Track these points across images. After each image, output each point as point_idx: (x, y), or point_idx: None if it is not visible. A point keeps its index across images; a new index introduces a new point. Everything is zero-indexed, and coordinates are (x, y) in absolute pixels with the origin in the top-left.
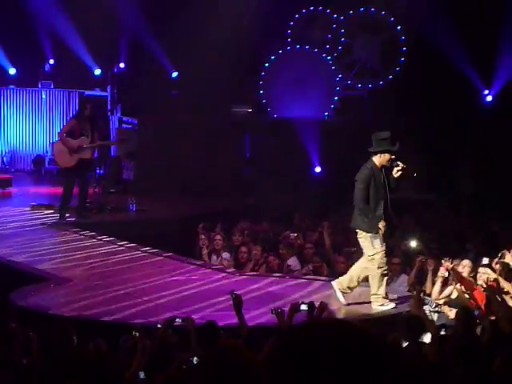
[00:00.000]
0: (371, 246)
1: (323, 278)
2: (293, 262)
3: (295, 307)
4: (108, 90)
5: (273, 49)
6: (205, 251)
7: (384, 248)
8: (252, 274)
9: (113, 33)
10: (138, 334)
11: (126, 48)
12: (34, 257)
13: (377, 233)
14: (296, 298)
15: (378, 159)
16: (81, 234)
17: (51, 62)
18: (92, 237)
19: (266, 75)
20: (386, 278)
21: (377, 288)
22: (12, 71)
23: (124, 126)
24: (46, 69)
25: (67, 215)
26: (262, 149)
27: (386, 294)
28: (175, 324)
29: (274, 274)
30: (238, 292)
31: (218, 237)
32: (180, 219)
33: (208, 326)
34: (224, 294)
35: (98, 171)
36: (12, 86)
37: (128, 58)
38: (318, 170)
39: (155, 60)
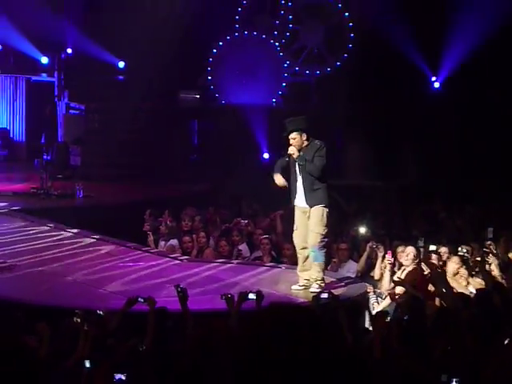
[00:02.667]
0: (325, 222)
1: (269, 264)
2: (243, 248)
3: (244, 295)
4: (55, 75)
5: (221, 35)
6: (151, 237)
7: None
8: (198, 259)
9: (60, 18)
10: (79, 320)
11: (73, 34)
12: None
13: None
14: (243, 284)
15: None
16: (27, 220)
17: None
18: (38, 223)
19: (213, 61)
20: None
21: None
22: None
23: (71, 111)
24: None
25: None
26: (209, 135)
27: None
28: (138, 303)
29: (221, 260)
30: (186, 278)
31: (166, 223)
32: (127, 205)
33: (159, 312)
34: (171, 281)
35: (44, 157)
36: None
37: (75, 44)
38: (266, 156)
39: (98, 54)
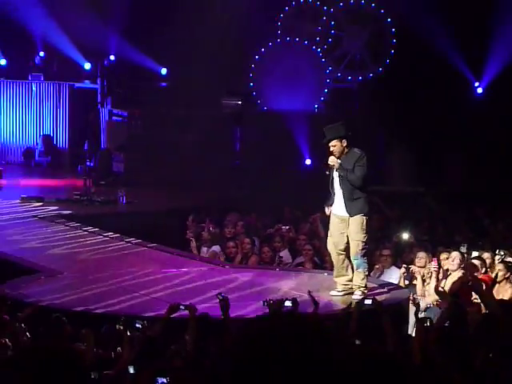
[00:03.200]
0: (365, 229)
1: (312, 270)
2: (284, 254)
3: (280, 303)
4: (98, 82)
5: (263, 41)
6: (194, 244)
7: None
8: (241, 266)
9: (104, 25)
10: (121, 327)
11: (116, 41)
12: (24, 249)
13: None
14: (284, 290)
15: None
16: (71, 227)
17: (41, 54)
18: (82, 229)
19: (256, 68)
20: None
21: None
22: (2, 62)
23: (114, 118)
24: (37, 61)
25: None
26: (251, 141)
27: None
28: (179, 311)
29: (263, 266)
30: (227, 284)
31: (208, 229)
32: (170, 211)
33: (201, 319)
34: (214, 287)
35: (88, 163)
36: (2, 79)
37: (118, 51)
38: (308, 162)
39: (141, 60)
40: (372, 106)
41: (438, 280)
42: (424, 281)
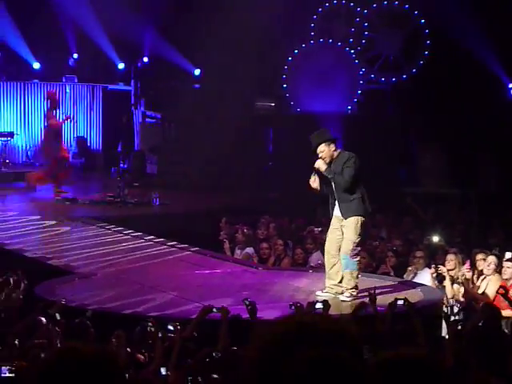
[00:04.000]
0: (359, 230)
1: None
2: (316, 255)
3: (312, 305)
4: (132, 84)
5: (296, 43)
6: (227, 245)
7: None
8: (274, 267)
9: (137, 27)
10: (153, 329)
11: (150, 43)
12: (58, 251)
13: None
14: (317, 292)
15: None
16: (104, 228)
17: (75, 56)
18: (115, 231)
19: (289, 69)
20: None
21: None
22: (36, 65)
23: (148, 120)
24: (70, 63)
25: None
26: (284, 143)
27: None
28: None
29: (296, 268)
30: (260, 286)
31: (242, 230)
32: (203, 213)
33: (233, 320)
34: (247, 289)
35: (121, 165)
36: (36, 80)
37: (151, 53)
38: None
39: (178, 55)
40: (405, 108)
41: (471, 283)
42: (453, 283)
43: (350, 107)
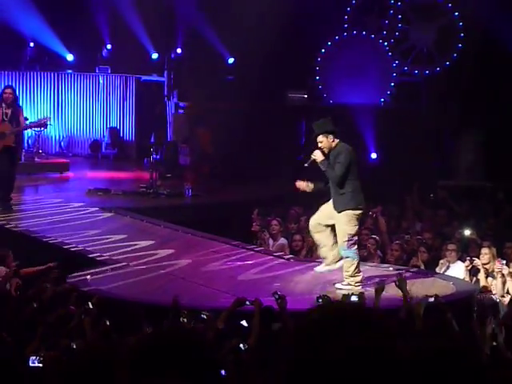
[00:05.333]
0: (354, 223)
1: (374, 263)
2: None
3: (346, 297)
4: (165, 75)
5: (329, 34)
6: (266, 235)
7: None
8: (306, 259)
9: (170, 18)
10: (185, 320)
11: (183, 33)
12: (90, 241)
13: None
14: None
15: None
16: (137, 219)
17: (108, 47)
18: (148, 221)
19: (322, 61)
20: None
21: None
22: (70, 57)
23: (180, 111)
24: (104, 54)
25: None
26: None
27: None
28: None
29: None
30: (292, 277)
31: (275, 222)
32: (235, 204)
33: (265, 311)
34: (278, 280)
35: (154, 156)
36: (69, 71)
37: (185, 44)
38: (373, 156)
39: (212, 46)
40: (439, 100)
41: (504, 278)
42: (487, 276)
43: (383, 99)
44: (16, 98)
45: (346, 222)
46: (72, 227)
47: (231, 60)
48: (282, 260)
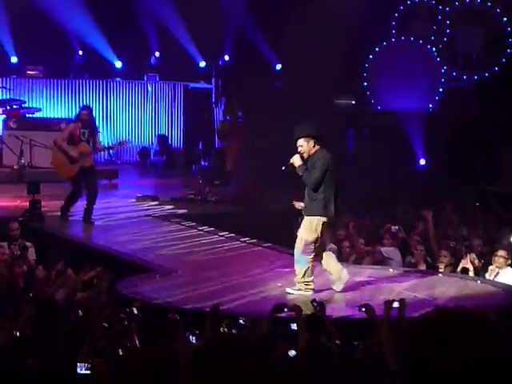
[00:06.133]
0: (314, 230)
1: (425, 270)
2: (393, 251)
3: (389, 304)
4: (213, 82)
5: (377, 40)
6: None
7: None
8: (355, 265)
9: (218, 25)
10: (226, 329)
11: (231, 40)
12: (138, 247)
13: None
14: (397, 290)
15: None
16: (185, 226)
17: (157, 54)
18: (196, 228)
19: (370, 67)
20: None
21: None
22: (118, 64)
23: (228, 118)
24: (152, 61)
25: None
26: (365, 141)
27: None
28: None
29: (376, 266)
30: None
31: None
32: (282, 211)
33: (313, 318)
34: (327, 286)
35: (202, 163)
36: (118, 79)
37: (233, 51)
38: (422, 162)
39: (259, 53)
40: (488, 106)
41: None
42: None
43: (431, 105)
44: (93, 119)
45: (308, 228)
46: (121, 234)
47: (278, 66)
48: None
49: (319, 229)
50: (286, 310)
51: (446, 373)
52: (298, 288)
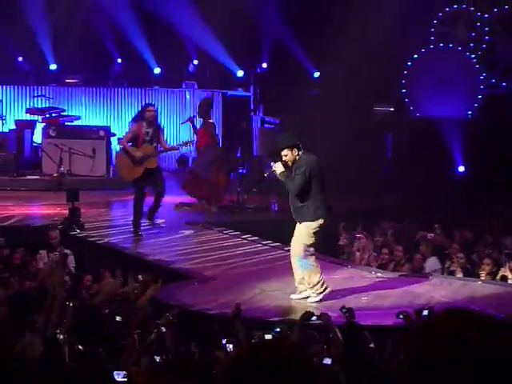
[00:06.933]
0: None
1: (465, 278)
2: (433, 261)
3: (419, 311)
4: (251, 90)
5: (416, 47)
6: (348, 250)
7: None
8: (393, 273)
9: (255, 33)
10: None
11: (269, 48)
12: (177, 255)
13: None
14: (436, 298)
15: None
16: (223, 233)
17: (195, 62)
18: (234, 236)
19: (408, 74)
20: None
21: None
22: (157, 70)
23: (266, 125)
24: (190, 69)
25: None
26: (403, 148)
27: None
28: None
29: (416, 274)
30: (379, 291)
31: (361, 236)
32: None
33: (349, 325)
34: (365, 294)
35: (240, 170)
36: (156, 87)
37: (270, 58)
38: (461, 169)
39: (296, 62)
40: None
41: None
42: None
43: (470, 112)
44: (157, 117)
45: (305, 233)
46: (159, 242)
47: (316, 74)
48: (369, 274)
49: (315, 232)
50: (314, 318)
51: (458, 373)
52: (316, 295)
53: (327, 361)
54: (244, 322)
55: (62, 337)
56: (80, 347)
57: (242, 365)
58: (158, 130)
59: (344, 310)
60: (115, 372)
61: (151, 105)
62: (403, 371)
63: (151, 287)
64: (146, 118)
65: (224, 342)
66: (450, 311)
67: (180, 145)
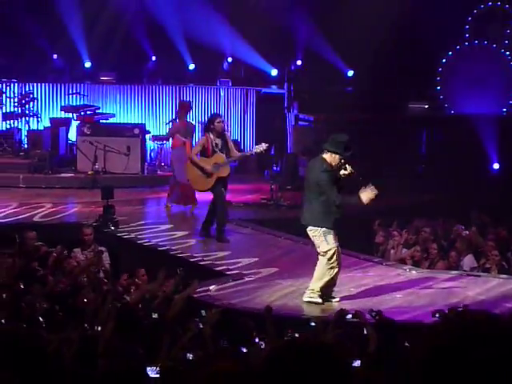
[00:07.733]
0: (325, 242)
1: (500, 276)
2: (468, 259)
3: (454, 310)
4: (285, 87)
5: (451, 44)
6: (382, 248)
7: (337, 244)
8: (428, 271)
9: (290, 29)
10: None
11: (303, 45)
12: (212, 252)
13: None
14: (471, 296)
15: (329, 157)
16: (258, 231)
17: (229, 59)
18: (269, 233)
19: (443, 71)
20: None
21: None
22: (191, 66)
23: (300, 123)
24: (225, 67)
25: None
26: (438, 145)
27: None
28: (346, 319)
29: (451, 272)
30: (413, 289)
31: (396, 233)
32: (356, 216)
33: (386, 324)
34: (400, 291)
35: (274, 168)
36: (191, 84)
37: (304, 55)
38: (496, 166)
39: (329, 58)
40: None
41: None
42: None
43: (505, 109)
44: (224, 128)
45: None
46: (194, 239)
47: (350, 73)
48: (404, 272)
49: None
50: (348, 316)
51: (468, 375)
52: (310, 296)
53: (356, 362)
54: (275, 322)
55: (100, 333)
56: (118, 344)
57: (284, 361)
58: (227, 139)
59: (373, 314)
60: (148, 368)
61: (219, 115)
62: (411, 371)
63: (189, 287)
64: (216, 130)
65: (257, 340)
66: (459, 313)
67: (253, 151)
